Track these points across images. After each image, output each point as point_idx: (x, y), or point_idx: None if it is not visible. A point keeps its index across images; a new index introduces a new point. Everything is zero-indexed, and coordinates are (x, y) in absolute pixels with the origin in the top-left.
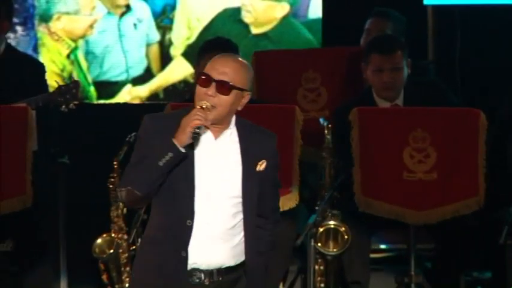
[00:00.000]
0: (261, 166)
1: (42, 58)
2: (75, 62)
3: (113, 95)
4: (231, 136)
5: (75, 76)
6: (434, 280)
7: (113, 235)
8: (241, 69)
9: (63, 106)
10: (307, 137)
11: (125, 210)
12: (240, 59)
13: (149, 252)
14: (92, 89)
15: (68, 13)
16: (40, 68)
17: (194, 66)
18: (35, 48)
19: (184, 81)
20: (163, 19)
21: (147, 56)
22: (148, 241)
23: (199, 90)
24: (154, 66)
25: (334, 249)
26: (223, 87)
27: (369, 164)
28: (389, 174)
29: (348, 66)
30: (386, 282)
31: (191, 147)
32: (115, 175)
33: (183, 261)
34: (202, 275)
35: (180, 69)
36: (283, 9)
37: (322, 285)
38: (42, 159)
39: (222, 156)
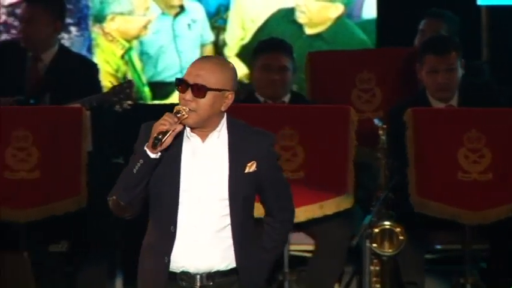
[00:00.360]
0: (251, 168)
1: (97, 59)
2: (130, 63)
3: (167, 95)
4: (219, 138)
5: (130, 77)
6: (489, 280)
7: None
8: (217, 69)
9: (118, 106)
10: (362, 138)
11: None
12: (217, 59)
13: (143, 259)
14: (147, 89)
15: (122, 14)
16: (94, 69)
17: (248, 67)
18: (89, 49)
19: (239, 82)
20: (218, 20)
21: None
22: (143, 248)
23: (179, 96)
24: None
25: (390, 250)
26: (199, 91)
27: (424, 165)
28: (444, 174)
29: (402, 66)
30: (441, 283)
31: (177, 150)
32: None
33: (165, 267)
34: (192, 279)
35: None
36: (338, 9)
37: (377, 285)
38: (97, 160)
39: (209, 158)
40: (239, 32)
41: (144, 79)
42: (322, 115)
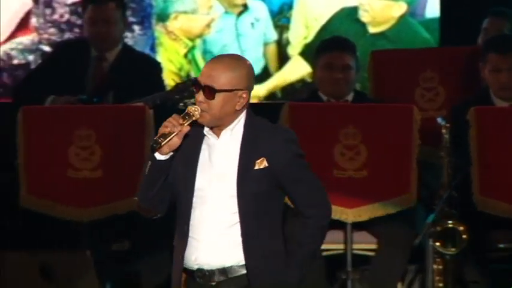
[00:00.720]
0: (261, 164)
1: (160, 57)
2: (193, 62)
3: None
4: (232, 136)
5: (193, 75)
6: None
7: None
8: (228, 69)
9: (181, 104)
10: (425, 136)
11: None
12: (230, 58)
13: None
14: None
15: (185, 12)
16: (157, 67)
17: (311, 66)
18: (153, 48)
19: (302, 81)
20: (281, 18)
21: (265, 55)
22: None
23: (195, 96)
24: (272, 65)
25: (453, 249)
26: (209, 93)
27: (487, 164)
28: (507, 173)
29: (465, 65)
30: (505, 282)
31: (195, 149)
32: None
33: (181, 265)
34: (206, 276)
35: (297, 69)
36: (401, 8)
37: (440, 284)
38: None
39: (222, 156)
40: (302, 30)
41: None
42: (386, 114)
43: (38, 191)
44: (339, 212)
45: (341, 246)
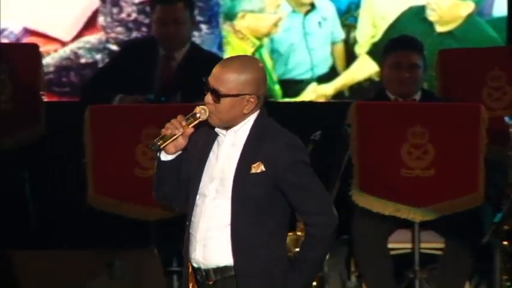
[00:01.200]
0: (257, 168)
1: (227, 56)
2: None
3: (298, 93)
4: (235, 137)
5: None
6: None
7: (298, 233)
8: (235, 73)
9: None
10: (493, 136)
11: None
12: (240, 61)
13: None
14: (277, 87)
15: (252, 11)
16: None
17: (379, 65)
18: (220, 47)
19: (369, 80)
20: (348, 17)
21: (332, 54)
22: None
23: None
24: (340, 64)
25: None
26: (215, 96)
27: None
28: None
29: None
30: None
31: (207, 147)
32: None
33: (188, 261)
34: (204, 274)
35: (365, 68)
36: (468, 7)
37: (508, 283)
38: None
39: (224, 156)
40: (370, 29)
41: (275, 77)
42: (453, 113)
43: (105, 190)
44: (407, 211)
45: (408, 246)
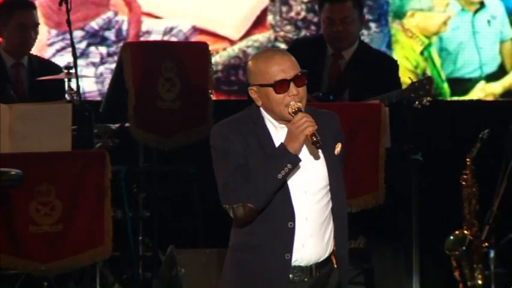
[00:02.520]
0: (338, 149)
1: (396, 55)
2: (429, 59)
3: (466, 91)
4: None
5: (429, 73)
6: None
7: (465, 232)
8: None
9: (417, 102)
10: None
11: (477, 206)
12: (259, 53)
13: (244, 259)
14: (445, 85)
15: (421, 10)
16: (393, 65)
17: None
18: (389, 45)
19: None
20: None
21: (501, 52)
22: (242, 248)
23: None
24: (508, 62)
25: None
26: (302, 79)
27: None
28: None
29: None
30: None
31: (270, 143)
32: (467, 172)
33: (287, 264)
34: (302, 272)
35: None
36: None
37: None
38: (395, 157)
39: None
40: None
41: (443, 75)
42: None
43: None
44: None
45: None
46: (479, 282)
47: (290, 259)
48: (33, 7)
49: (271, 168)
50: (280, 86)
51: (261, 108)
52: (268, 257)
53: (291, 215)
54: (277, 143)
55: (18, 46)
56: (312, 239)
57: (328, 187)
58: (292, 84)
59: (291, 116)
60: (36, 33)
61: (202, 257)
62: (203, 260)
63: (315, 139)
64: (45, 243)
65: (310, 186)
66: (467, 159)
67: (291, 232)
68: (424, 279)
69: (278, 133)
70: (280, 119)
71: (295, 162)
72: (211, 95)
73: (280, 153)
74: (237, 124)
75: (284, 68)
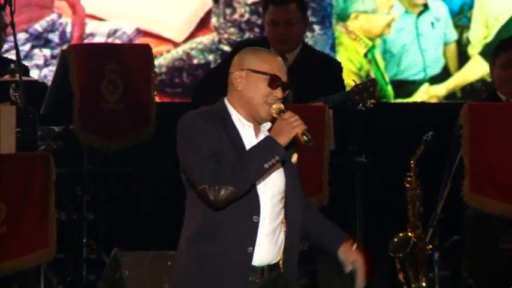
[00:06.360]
0: (294, 158)
1: (339, 57)
2: (373, 61)
3: (410, 94)
4: (265, 130)
5: (372, 75)
6: None
7: (409, 234)
8: None
9: (360, 104)
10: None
11: (421, 209)
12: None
13: (205, 251)
14: (389, 88)
15: (365, 12)
16: (337, 67)
17: (489, 65)
18: (332, 47)
19: (481, 80)
20: (461, 18)
21: (445, 54)
22: (203, 240)
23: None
24: (452, 65)
25: None
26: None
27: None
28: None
29: None
30: None
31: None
32: (412, 174)
33: (249, 257)
34: (255, 272)
35: (477, 68)
36: None
37: None
38: (339, 159)
39: None
40: (483, 30)
41: (387, 77)
42: None
43: None
44: None
45: None
46: (423, 284)
47: (252, 253)
48: (1, 8)
49: (259, 157)
50: (274, 81)
51: (229, 105)
52: (231, 249)
53: (256, 210)
54: (245, 141)
55: None
56: (267, 239)
57: (284, 194)
58: (280, 88)
59: (270, 114)
60: (6, 34)
61: (146, 259)
62: (147, 262)
63: (306, 138)
64: None
65: (270, 188)
66: (412, 161)
67: (255, 226)
68: (368, 282)
69: (246, 131)
70: (250, 114)
71: (282, 156)
72: (155, 97)
73: (269, 143)
74: (208, 115)
75: (281, 71)
